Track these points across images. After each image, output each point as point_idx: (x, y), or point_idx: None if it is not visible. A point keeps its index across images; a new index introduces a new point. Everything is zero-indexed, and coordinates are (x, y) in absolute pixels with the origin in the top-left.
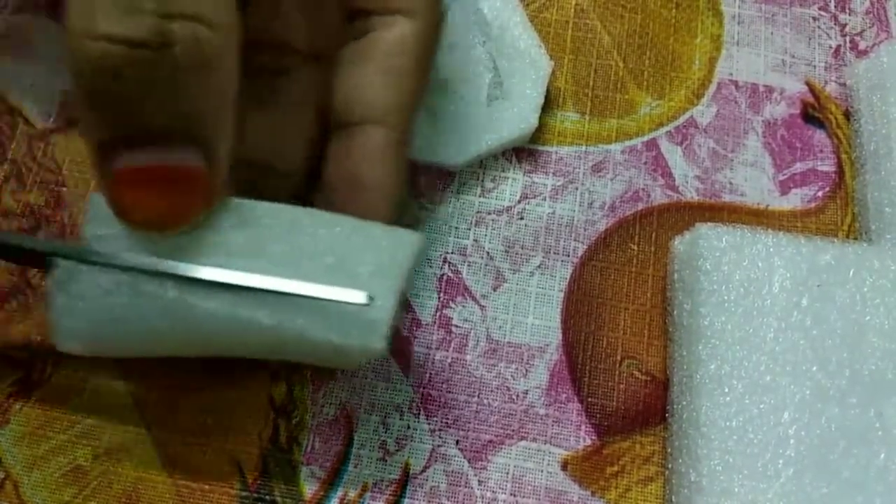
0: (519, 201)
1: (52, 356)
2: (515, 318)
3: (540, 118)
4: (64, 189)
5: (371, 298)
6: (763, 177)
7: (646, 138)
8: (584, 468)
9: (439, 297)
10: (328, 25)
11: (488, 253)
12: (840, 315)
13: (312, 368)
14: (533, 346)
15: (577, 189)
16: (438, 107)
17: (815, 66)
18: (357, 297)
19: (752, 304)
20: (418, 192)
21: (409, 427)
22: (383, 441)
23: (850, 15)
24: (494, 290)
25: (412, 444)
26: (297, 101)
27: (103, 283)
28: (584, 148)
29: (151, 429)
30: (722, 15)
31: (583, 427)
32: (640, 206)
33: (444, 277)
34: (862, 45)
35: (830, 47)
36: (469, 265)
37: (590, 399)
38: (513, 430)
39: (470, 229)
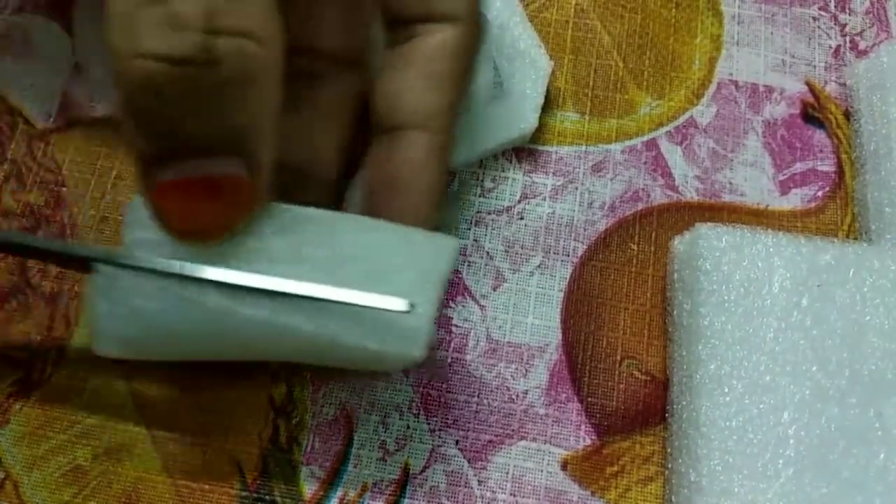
0: (519, 201)
1: (51, 356)
2: (515, 317)
3: (540, 118)
4: (64, 189)
5: (412, 306)
6: (763, 177)
7: (646, 138)
8: (584, 468)
9: None
10: (361, 31)
11: (488, 253)
12: (840, 315)
13: (312, 369)
14: (533, 345)
15: (576, 189)
16: None
17: (815, 66)
18: (398, 304)
19: (752, 304)
20: None
21: (408, 427)
22: (383, 441)
23: (850, 15)
24: (494, 289)
25: (412, 443)
26: (330, 106)
27: (144, 289)
28: (583, 148)
29: (151, 429)
30: (722, 15)
31: (583, 427)
32: (640, 205)
33: None
34: (862, 45)
35: (830, 47)
36: (469, 265)
37: (590, 399)
38: (512, 430)
39: (470, 229)
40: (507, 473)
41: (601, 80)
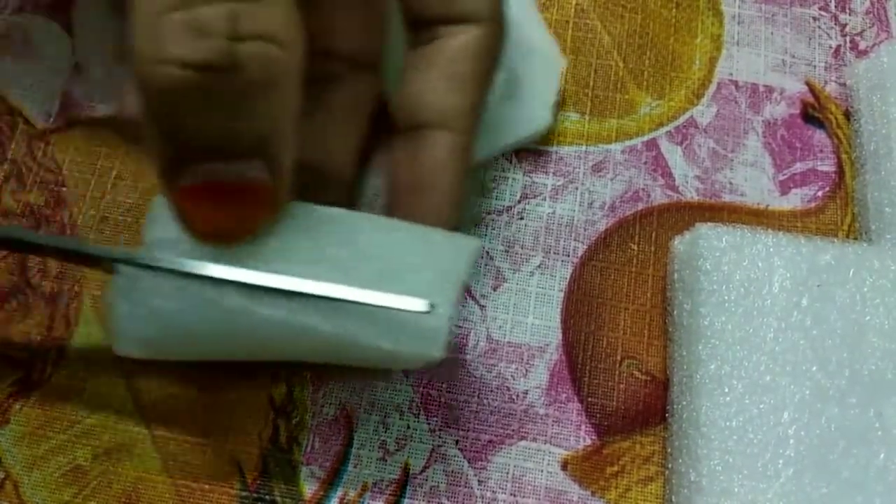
0: (519, 201)
1: (51, 356)
2: (515, 317)
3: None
4: (64, 189)
5: (432, 306)
6: (763, 177)
7: (646, 138)
8: (584, 468)
9: None
10: (376, 33)
11: (488, 253)
12: (840, 315)
13: (312, 369)
14: (533, 345)
15: (577, 189)
16: None
17: (815, 66)
18: (418, 305)
19: (752, 304)
20: None
21: (408, 427)
22: (383, 441)
23: (850, 15)
24: (494, 289)
25: (412, 443)
26: (346, 108)
27: (164, 289)
28: (584, 148)
29: (151, 429)
30: (722, 15)
31: (583, 427)
32: (640, 205)
33: None
34: (862, 45)
35: (830, 47)
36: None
37: (590, 399)
38: (513, 430)
39: (470, 229)
40: (508, 473)
41: (601, 80)
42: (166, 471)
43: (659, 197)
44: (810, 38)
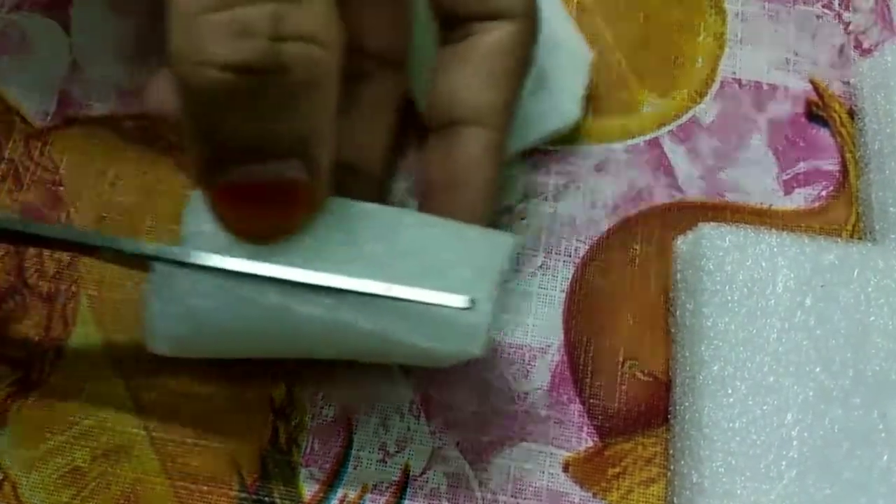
0: (520, 201)
1: (49, 357)
2: (517, 318)
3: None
4: (61, 188)
5: (472, 302)
6: (766, 176)
7: (648, 137)
8: (586, 470)
9: None
10: (401, 31)
11: None
12: (844, 315)
13: (313, 369)
14: (534, 346)
15: (579, 188)
16: None
17: (818, 65)
18: (458, 301)
19: (756, 305)
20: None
21: (409, 428)
22: (383, 442)
23: (854, 13)
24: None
25: (412, 445)
26: (374, 104)
27: (201, 287)
28: (586, 147)
29: (150, 430)
30: (725, 13)
31: (584, 428)
32: (643, 205)
33: None
34: (866, 44)
35: (834, 45)
36: None
37: (591, 400)
38: (514, 432)
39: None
40: (508, 475)
41: (603, 78)
42: (165, 472)
43: (661, 196)
44: (814, 37)
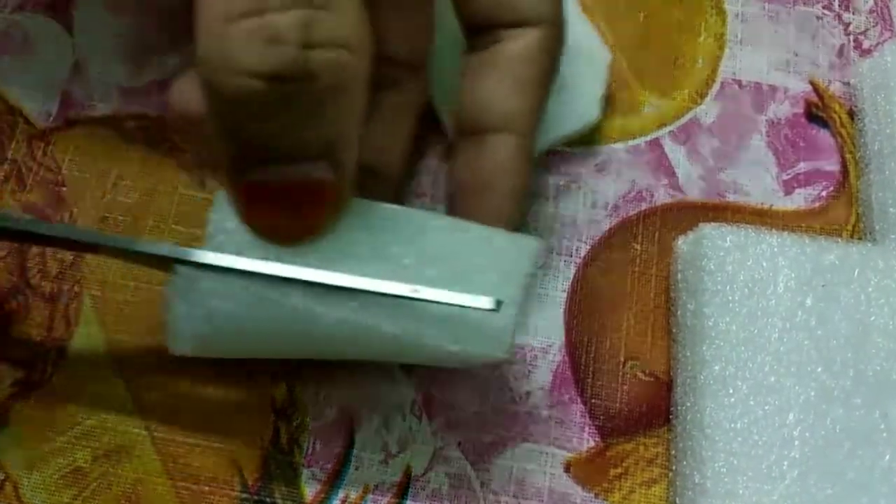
0: None
1: (51, 357)
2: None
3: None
4: (64, 189)
5: (499, 303)
6: (767, 176)
7: (649, 137)
8: (588, 470)
9: None
10: (423, 37)
11: None
12: (844, 315)
13: (314, 369)
14: (535, 346)
15: (580, 189)
16: None
17: (818, 66)
18: (485, 302)
19: (757, 305)
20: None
21: (410, 429)
22: (385, 443)
23: (853, 14)
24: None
25: (414, 445)
26: (395, 111)
27: (224, 290)
28: (587, 147)
29: (152, 430)
30: (725, 14)
31: (586, 429)
32: (644, 205)
33: None
34: (866, 44)
35: (834, 46)
36: None
37: (593, 400)
38: (515, 432)
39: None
40: (510, 475)
41: None
42: (166, 472)
43: (662, 196)
44: (814, 37)
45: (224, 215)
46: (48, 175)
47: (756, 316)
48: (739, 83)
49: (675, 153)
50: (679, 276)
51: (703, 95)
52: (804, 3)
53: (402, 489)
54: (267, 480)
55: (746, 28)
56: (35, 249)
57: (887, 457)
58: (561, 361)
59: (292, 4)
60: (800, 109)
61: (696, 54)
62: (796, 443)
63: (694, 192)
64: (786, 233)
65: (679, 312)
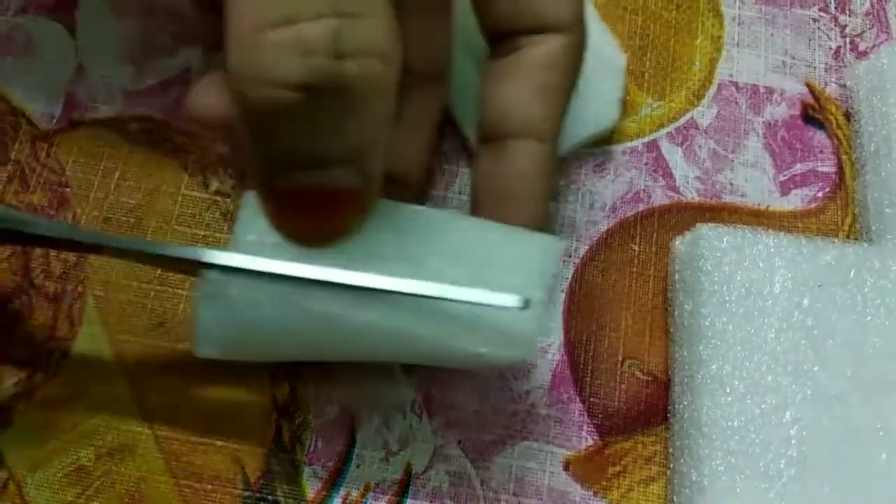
0: None
1: (55, 356)
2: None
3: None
4: (67, 190)
5: (526, 302)
6: (763, 177)
7: (646, 139)
8: (586, 468)
9: None
10: (443, 45)
11: None
12: (841, 315)
13: (315, 368)
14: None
15: (578, 190)
16: None
17: (815, 68)
18: (511, 301)
19: (753, 305)
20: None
21: (411, 427)
22: (386, 441)
23: (850, 16)
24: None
25: (414, 444)
26: (416, 118)
27: (251, 294)
28: (585, 149)
29: (154, 429)
30: (722, 16)
31: (584, 427)
32: (641, 206)
33: None
34: (862, 47)
35: (830, 48)
36: None
37: (591, 399)
38: (515, 431)
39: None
40: (510, 473)
41: None
42: (169, 471)
43: (660, 198)
44: (810, 40)
45: (252, 217)
46: (51, 176)
47: (753, 316)
48: (736, 85)
49: (673, 154)
50: (677, 276)
51: (700, 97)
52: (801, 6)
53: (403, 487)
54: (269, 478)
55: (743, 30)
56: (39, 250)
57: (883, 455)
58: (560, 361)
59: (323, 14)
60: (796, 111)
61: (694, 56)
62: (793, 441)
63: (691, 193)
64: (782, 233)
65: (677, 312)
